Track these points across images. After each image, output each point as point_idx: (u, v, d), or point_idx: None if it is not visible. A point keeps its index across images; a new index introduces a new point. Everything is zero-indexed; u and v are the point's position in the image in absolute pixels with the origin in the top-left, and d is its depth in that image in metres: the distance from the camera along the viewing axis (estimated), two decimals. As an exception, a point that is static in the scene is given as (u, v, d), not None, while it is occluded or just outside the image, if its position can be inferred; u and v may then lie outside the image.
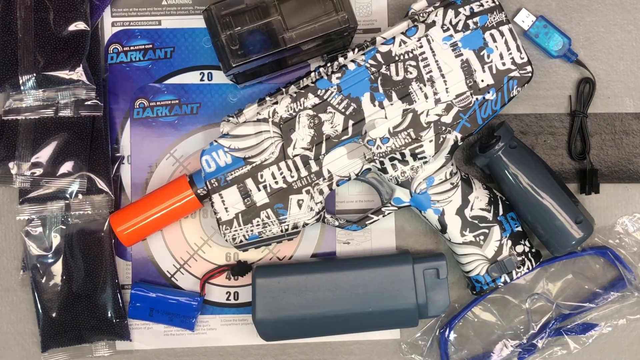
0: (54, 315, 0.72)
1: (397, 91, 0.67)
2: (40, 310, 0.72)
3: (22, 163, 0.71)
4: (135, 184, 0.74)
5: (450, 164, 0.69)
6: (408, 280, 0.71)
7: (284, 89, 0.68)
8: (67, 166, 0.72)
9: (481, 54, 0.67)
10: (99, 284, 0.72)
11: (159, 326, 0.74)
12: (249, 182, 0.68)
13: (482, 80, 0.67)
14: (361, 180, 0.71)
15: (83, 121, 0.72)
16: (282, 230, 0.68)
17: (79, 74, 0.70)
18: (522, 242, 0.70)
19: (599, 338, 0.75)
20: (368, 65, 0.67)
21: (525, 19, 0.74)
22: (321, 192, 0.68)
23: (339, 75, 0.67)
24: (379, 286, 0.70)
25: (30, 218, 0.72)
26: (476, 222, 0.69)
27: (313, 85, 0.67)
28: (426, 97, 0.67)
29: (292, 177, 0.68)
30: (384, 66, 0.67)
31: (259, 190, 0.68)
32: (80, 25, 0.71)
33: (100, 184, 0.72)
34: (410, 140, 0.67)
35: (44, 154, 0.72)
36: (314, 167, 0.68)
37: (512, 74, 0.68)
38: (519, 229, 0.70)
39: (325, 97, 0.67)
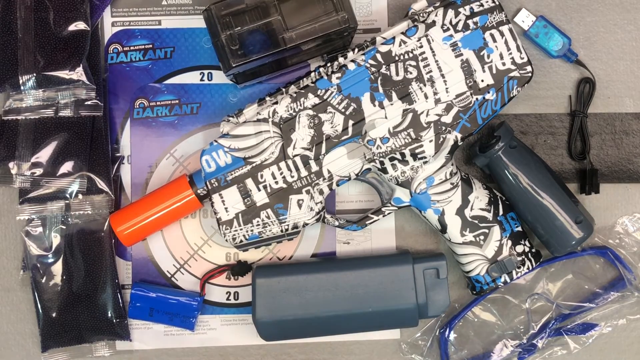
0: (54, 315, 0.72)
1: (397, 91, 0.67)
2: (40, 310, 0.72)
3: (22, 163, 0.71)
4: (135, 184, 0.74)
5: (450, 164, 0.69)
6: (408, 280, 0.71)
7: (284, 89, 0.68)
8: (67, 166, 0.72)
9: (481, 54, 0.67)
10: (99, 284, 0.72)
11: (159, 326, 0.74)
12: (249, 182, 0.68)
13: (482, 80, 0.67)
14: (361, 180, 0.71)
15: (83, 121, 0.72)
16: (282, 230, 0.68)
17: (79, 74, 0.70)
18: (522, 242, 0.70)
19: (599, 338, 0.75)
20: (368, 65, 0.67)
21: (525, 19, 0.74)
22: (321, 192, 0.68)
23: (339, 75, 0.67)
24: (379, 286, 0.70)
25: (30, 218, 0.72)
26: (476, 222, 0.69)
27: (313, 85, 0.67)
28: (426, 97, 0.67)
29: (292, 177, 0.68)
30: (384, 66, 0.67)
31: (259, 190, 0.68)
32: (80, 25, 0.71)
33: (100, 184, 0.72)
34: (410, 140, 0.67)
35: (44, 154, 0.71)
36: (314, 167, 0.68)
37: (512, 74, 0.68)
38: (519, 229, 0.70)
39: (325, 97, 0.67)
